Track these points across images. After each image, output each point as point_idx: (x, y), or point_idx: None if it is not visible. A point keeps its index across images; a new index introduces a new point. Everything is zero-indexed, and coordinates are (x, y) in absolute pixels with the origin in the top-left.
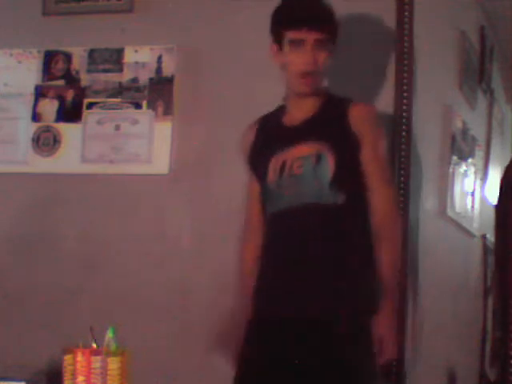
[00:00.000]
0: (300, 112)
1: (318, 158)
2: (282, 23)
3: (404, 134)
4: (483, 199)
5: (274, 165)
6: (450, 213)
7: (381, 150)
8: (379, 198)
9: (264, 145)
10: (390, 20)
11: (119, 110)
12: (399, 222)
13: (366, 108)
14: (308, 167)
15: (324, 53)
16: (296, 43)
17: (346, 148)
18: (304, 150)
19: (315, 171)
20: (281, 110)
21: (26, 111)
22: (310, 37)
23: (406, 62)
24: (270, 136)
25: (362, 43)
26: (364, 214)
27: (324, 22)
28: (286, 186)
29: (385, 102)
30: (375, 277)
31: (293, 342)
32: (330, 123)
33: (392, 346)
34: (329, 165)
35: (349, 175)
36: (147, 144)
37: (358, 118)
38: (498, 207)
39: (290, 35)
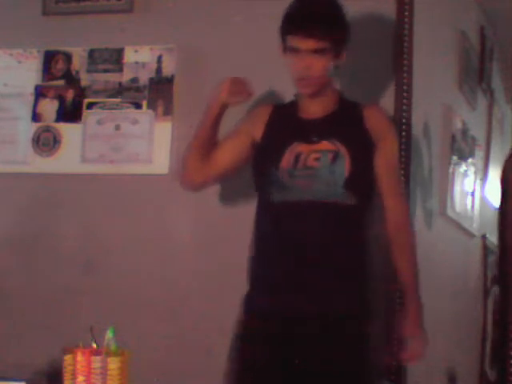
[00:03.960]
0: (316, 109)
1: (336, 157)
2: (283, 28)
3: (404, 134)
4: (483, 199)
5: (288, 154)
6: (450, 213)
7: (395, 157)
8: (393, 205)
9: (278, 133)
10: (389, 20)
11: (119, 110)
12: (413, 227)
13: (382, 112)
14: (325, 163)
15: (322, 60)
16: (294, 50)
17: (362, 150)
18: (322, 146)
19: (331, 168)
20: (294, 105)
21: (25, 111)
22: (306, 45)
23: (405, 62)
24: (286, 126)
25: (361, 43)
26: (369, 217)
27: (322, 31)
28: (299, 176)
29: (385, 102)
30: (371, 279)
31: (291, 341)
32: (348, 124)
33: (422, 344)
34: (345, 165)
35: (362, 178)
36: (147, 144)
37: (374, 121)
38: (500, 208)
39: (289, 41)
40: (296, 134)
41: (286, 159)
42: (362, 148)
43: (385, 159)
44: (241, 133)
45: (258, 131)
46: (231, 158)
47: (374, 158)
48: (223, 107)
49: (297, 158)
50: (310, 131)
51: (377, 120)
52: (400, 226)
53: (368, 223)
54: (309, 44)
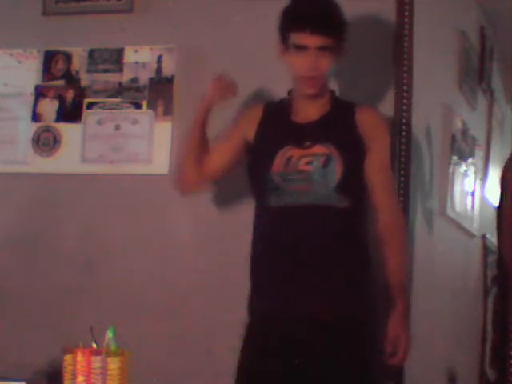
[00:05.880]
0: (309, 111)
1: (328, 160)
2: (287, 25)
3: (404, 134)
4: (483, 199)
5: (280, 158)
6: (450, 213)
7: (386, 158)
8: (385, 205)
9: (270, 136)
10: (389, 20)
11: (119, 110)
12: (405, 227)
13: (374, 113)
14: (317, 166)
15: (328, 58)
16: (300, 48)
17: (354, 153)
18: (314, 150)
19: (323, 172)
20: (287, 105)
21: (25, 111)
22: (314, 42)
23: (406, 62)
24: (278, 129)
25: (361, 43)
26: (365, 218)
27: (330, 27)
28: (293, 180)
29: (385, 102)
30: (370, 280)
31: (292, 342)
32: (340, 126)
33: (407, 346)
34: (337, 168)
35: (354, 180)
36: (147, 144)
37: (366, 122)
38: (498, 208)
39: (294, 39)
40: (289, 138)
41: (278, 163)
42: (354, 151)
43: (377, 159)
44: (233, 134)
45: (250, 132)
46: (226, 160)
47: (366, 159)
48: (208, 109)
49: (288, 161)
50: (303, 136)
51: (369, 121)
52: (392, 226)
53: (365, 224)
54: (317, 41)
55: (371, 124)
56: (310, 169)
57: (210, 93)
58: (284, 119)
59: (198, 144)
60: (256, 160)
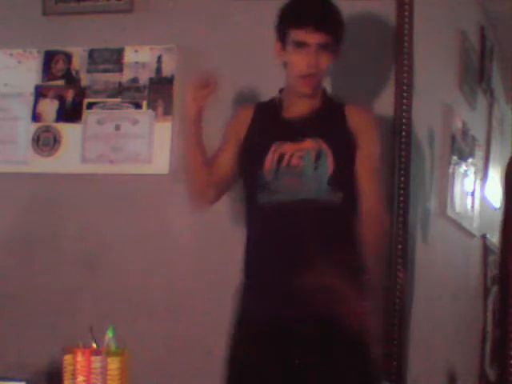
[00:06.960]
0: (301, 108)
1: (319, 155)
2: (287, 22)
3: (404, 134)
4: (483, 199)
5: (272, 155)
6: (450, 213)
7: (375, 157)
8: (370, 206)
9: (261, 133)
10: (390, 20)
11: (119, 110)
12: (387, 232)
13: (364, 112)
14: (308, 162)
15: (327, 55)
16: (300, 45)
17: (345, 148)
18: (305, 145)
19: (315, 166)
20: (278, 103)
21: (26, 111)
22: (314, 39)
23: (405, 62)
24: (268, 126)
25: (361, 43)
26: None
27: (330, 24)
28: (284, 177)
29: (385, 101)
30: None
31: (285, 341)
32: (331, 122)
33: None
34: (328, 162)
35: (347, 174)
36: (147, 144)
37: (356, 121)
38: (501, 208)
39: (295, 36)
40: (279, 134)
41: (270, 160)
42: (344, 146)
43: (365, 159)
44: (230, 140)
45: (242, 132)
46: (232, 163)
47: (356, 157)
48: (198, 114)
49: (280, 157)
50: (293, 130)
51: (359, 119)
52: (374, 229)
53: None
54: (318, 38)
55: (362, 123)
56: (302, 163)
57: (190, 99)
58: (274, 116)
59: (198, 150)
60: (247, 158)
